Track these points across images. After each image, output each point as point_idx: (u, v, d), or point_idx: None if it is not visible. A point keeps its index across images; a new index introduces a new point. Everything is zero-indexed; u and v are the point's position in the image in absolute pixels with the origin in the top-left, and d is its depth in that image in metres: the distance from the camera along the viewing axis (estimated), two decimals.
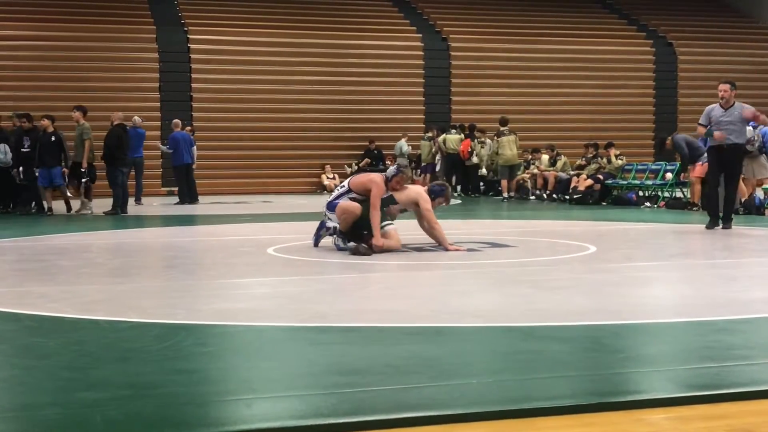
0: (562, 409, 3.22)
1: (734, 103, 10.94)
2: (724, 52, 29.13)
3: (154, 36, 25.61)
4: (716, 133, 10.80)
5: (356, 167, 24.66)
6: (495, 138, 20.61)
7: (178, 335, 4.64)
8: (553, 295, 5.96)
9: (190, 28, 26.22)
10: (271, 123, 25.56)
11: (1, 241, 10.38)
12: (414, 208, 8.94)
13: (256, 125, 25.45)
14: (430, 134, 24.19)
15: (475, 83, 27.38)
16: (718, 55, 29.04)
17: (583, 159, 19.74)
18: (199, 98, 25.45)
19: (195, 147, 20.61)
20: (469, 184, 22.82)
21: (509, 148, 20.14)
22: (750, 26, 31.96)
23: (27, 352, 4.33)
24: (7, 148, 15.43)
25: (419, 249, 8.78)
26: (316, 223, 9.42)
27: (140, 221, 14.68)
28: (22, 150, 15.40)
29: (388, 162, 25.16)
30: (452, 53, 27.71)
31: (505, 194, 20.29)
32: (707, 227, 10.93)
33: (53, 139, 15.17)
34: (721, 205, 11.11)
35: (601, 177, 18.51)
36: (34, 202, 16.15)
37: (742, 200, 14.13)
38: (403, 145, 25.24)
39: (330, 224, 8.95)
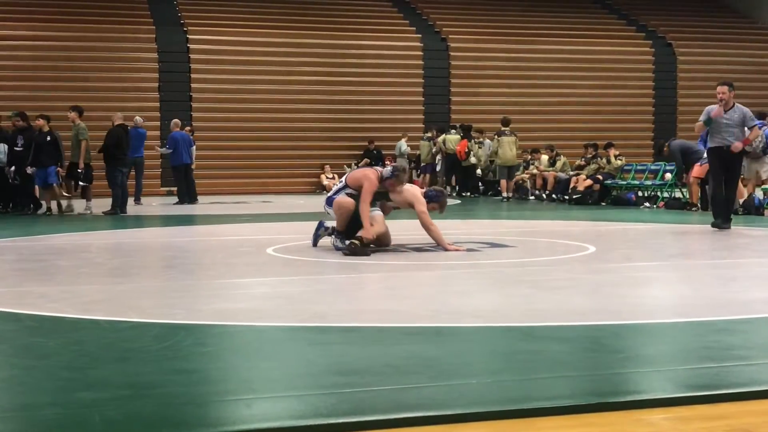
0: (562, 409, 3.22)
1: (734, 104, 10.94)
2: (723, 53, 29.14)
3: (154, 36, 25.61)
4: (713, 112, 10.82)
5: (355, 167, 24.64)
6: (496, 137, 20.59)
7: (177, 335, 4.64)
8: (552, 296, 5.96)
9: (189, 28, 26.22)
10: (270, 123, 25.57)
11: (1, 241, 10.37)
12: (409, 209, 8.97)
13: (256, 125, 25.45)
14: (429, 134, 24.19)
15: (474, 83, 27.39)
16: (718, 55, 29.05)
17: (583, 159, 19.74)
18: (198, 98, 25.45)
19: (194, 147, 20.62)
20: (467, 184, 22.81)
21: (509, 148, 20.14)
22: (749, 27, 31.97)
23: (27, 352, 4.33)
24: (7, 148, 15.43)
25: (418, 249, 8.78)
26: (316, 223, 9.42)
27: (139, 221, 14.68)
28: (15, 149, 15.36)
29: (387, 162, 25.17)
30: (451, 53, 27.72)
31: (505, 194, 20.29)
32: (713, 225, 10.91)
33: (48, 138, 15.13)
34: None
35: (600, 177, 18.52)
36: (33, 203, 16.15)
37: (741, 201, 14.14)
38: (403, 144, 25.24)
39: (328, 224, 9.00)
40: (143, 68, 25.09)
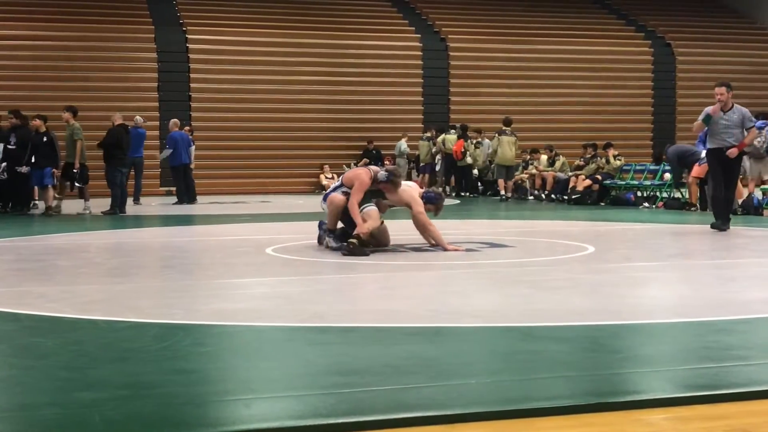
0: (561, 409, 3.22)
1: (733, 105, 10.92)
2: (722, 53, 29.15)
3: (153, 36, 25.60)
4: (712, 109, 10.82)
5: (354, 167, 24.63)
6: (496, 136, 20.58)
7: (176, 335, 4.64)
8: (551, 296, 5.96)
9: (188, 28, 26.21)
10: (269, 123, 25.56)
11: (0, 241, 10.36)
12: (406, 208, 8.98)
13: (255, 125, 25.44)
14: (428, 134, 24.20)
15: (473, 83, 27.38)
16: (717, 55, 29.05)
17: (582, 160, 19.75)
18: (197, 98, 25.44)
19: (193, 147, 20.62)
20: (464, 184, 22.81)
21: (509, 148, 20.13)
22: (748, 27, 31.98)
23: (25, 352, 4.33)
24: (2, 146, 15.40)
25: (417, 249, 8.78)
26: (315, 223, 9.43)
27: (139, 221, 14.67)
28: (8, 147, 15.33)
29: (387, 162, 25.18)
30: (451, 53, 27.71)
31: (503, 192, 20.29)
32: (713, 227, 10.87)
33: (45, 139, 15.10)
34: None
35: (599, 177, 18.52)
36: (33, 202, 16.14)
37: (740, 201, 14.14)
38: (403, 144, 25.23)
39: (325, 226, 9.02)
40: (142, 68, 25.08)
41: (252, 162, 25.25)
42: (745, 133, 11.05)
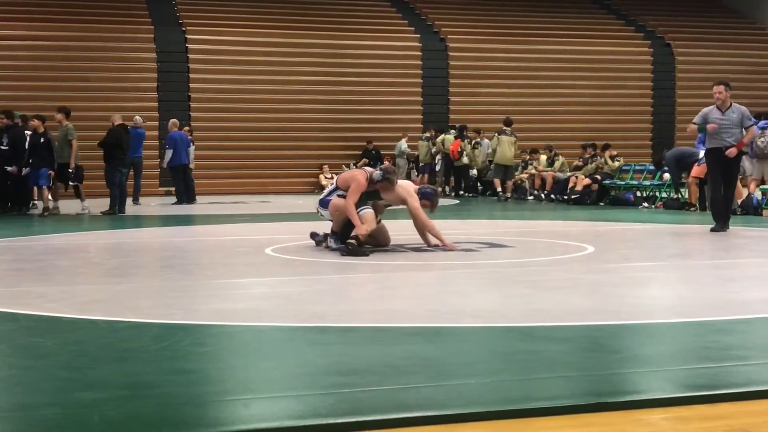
0: (561, 409, 3.22)
1: (731, 104, 10.88)
2: (722, 53, 29.15)
3: (152, 36, 25.59)
4: (709, 125, 10.75)
5: (354, 167, 24.63)
6: (496, 135, 20.58)
7: (176, 335, 4.64)
8: (551, 296, 5.96)
9: (188, 28, 26.21)
10: (269, 123, 25.56)
11: None
12: (403, 206, 8.98)
13: (254, 125, 25.44)
14: (427, 134, 24.21)
15: (472, 83, 27.38)
16: (716, 55, 29.05)
17: (580, 160, 19.75)
18: (197, 98, 25.44)
19: (192, 147, 20.61)
20: (462, 184, 22.80)
21: (508, 148, 20.11)
22: (748, 27, 31.98)
23: (25, 352, 4.33)
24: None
25: (417, 249, 8.78)
26: (315, 223, 9.43)
27: (138, 221, 14.67)
28: (1, 147, 15.30)
29: (386, 162, 25.18)
30: (450, 53, 27.72)
31: (499, 190, 20.30)
32: (712, 230, 10.81)
33: (42, 140, 15.08)
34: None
35: (598, 177, 18.52)
36: (32, 202, 16.12)
37: (740, 201, 14.14)
38: (403, 144, 25.22)
39: (318, 238, 9.00)
40: (142, 68, 25.08)
41: (251, 162, 25.25)
42: (744, 132, 10.96)
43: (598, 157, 18.99)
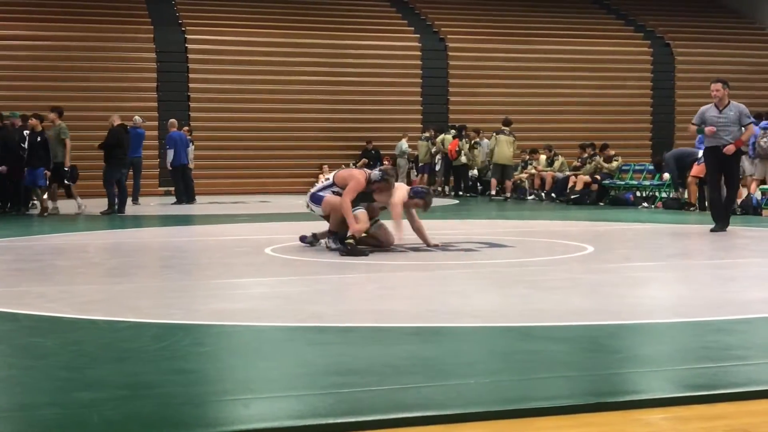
0: (560, 409, 3.22)
1: (729, 102, 10.84)
2: (721, 53, 29.16)
3: (152, 36, 25.60)
4: (707, 129, 10.73)
5: (353, 167, 24.63)
6: (494, 135, 20.62)
7: (175, 335, 4.64)
8: (550, 296, 5.97)
9: (187, 28, 26.21)
10: (268, 123, 25.57)
11: None
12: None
13: (254, 125, 25.45)
14: (427, 134, 24.21)
15: (472, 83, 27.39)
16: (716, 55, 29.06)
17: (579, 160, 19.76)
18: (196, 98, 25.44)
19: (192, 147, 20.61)
20: (462, 184, 22.82)
21: (506, 147, 20.12)
22: (748, 27, 31.99)
23: (25, 352, 4.33)
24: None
25: (416, 249, 8.78)
26: (314, 223, 9.42)
27: (137, 221, 14.67)
28: None
29: (386, 162, 25.17)
30: (450, 53, 27.72)
31: (493, 192, 20.34)
32: (712, 231, 10.79)
33: (39, 139, 15.06)
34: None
35: (598, 177, 18.53)
36: (32, 202, 16.11)
37: (739, 201, 14.14)
38: (404, 144, 25.21)
39: (309, 239, 8.96)
40: (141, 68, 25.09)
41: (251, 162, 25.25)
42: (743, 130, 10.84)
43: (597, 157, 18.99)
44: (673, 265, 7.92)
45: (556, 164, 20.38)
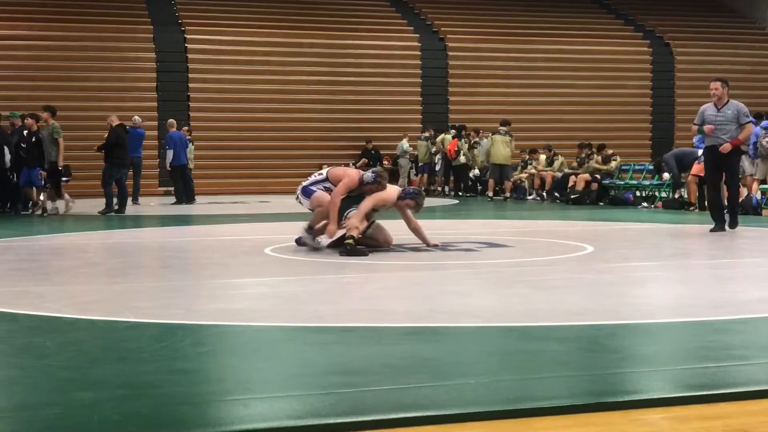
0: (560, 409, 3.22)
1: (728, 101, 10.82)
2: (721, 53, 29.17)
3: (152, 36, 25.60)
4: (706, 127, 10.73)
5: (353, 167, 24.64)
6: (490, 135, 20.68)
7: (175, 335, 4.64)
8: (550, 295, 5.97)
9: (187, 28, 26.22)
10: (268, 123, 25.57)
11: None
12: (391, 209, 8.98)
13: (254, 125, 25.45)
14: (426, 134, 24.22)
15: (472, 83, 27.40)
16: (716, 55, 29.07)
17: (577, 160, 19.76)
18: (196, 98, 25.45)
19: (192, 147, 20.61)
20: (460, 183, 22.83)
21: (502, 147, 20.12)
22: (747, 27, 32.00)
23: (25, 351, 4.33)
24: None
25: (416, 249, 8.78)
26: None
27: (137, 221, 14.67)
28: None
29: (386, 162, 25.18)
30: (449, 53, 27.73)
31: (490, 193, 20.36)
32: (712, 230, 10.78)
33: (33, 139, 15.05)
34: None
35: (598, 177, 18.53)
36: (30, 202, 16.10)
37: (739, 200, 14.14)
38: (405, 144, 25.23)
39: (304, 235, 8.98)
40: (141, 68, 25.09)
41: (251, 162, 25.25)
42: (741, 129, 10.75)
43: (595, 156, 18.99)
44: (672, 265, 7.92)
45: (556, 164, 20.39)
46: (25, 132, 15.33)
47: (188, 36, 25.94)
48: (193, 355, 4.21)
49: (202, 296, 6.15)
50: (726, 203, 11.11)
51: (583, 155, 19.39)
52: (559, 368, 3.85)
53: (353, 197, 8.70)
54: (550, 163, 20.63)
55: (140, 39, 25.45)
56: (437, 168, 23.67)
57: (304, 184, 8.99)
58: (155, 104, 24.89)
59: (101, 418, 3.10)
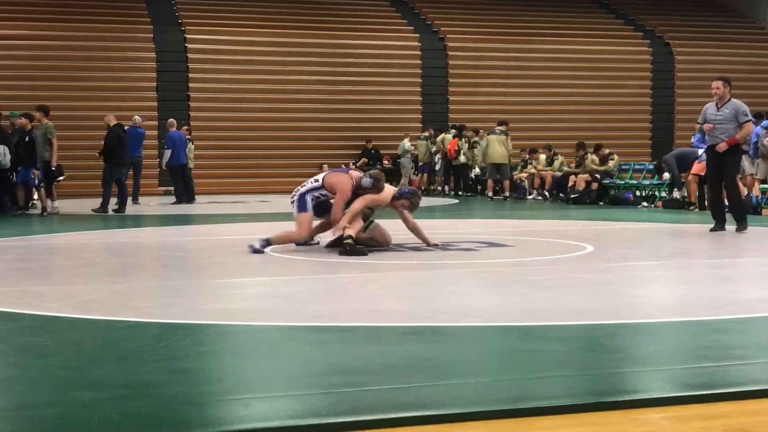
0: (560, 408, 3.22)
1: (729, 100, 10.80)
2: (721, 52, 29.16)
3: (152, 36, 25.60)
4: (705, 126, 10.74)
5: (353, 167, 24.67)
6: (486, 136, 20.72)
7: (175, 335, 4.64)
8: (550, 295, 5.97)
9: (187, 27, 26.22)
10: (268, 122, 25.57)
11: None
12: (385, 208, 8.99)
13: (254, 125, 25.46)
14: (426, 134, 24.22)
15: (472, 83, 27.40)
16: (716, 55, 29.07)
17: (576, 159, 19.76)
18: (196, 98, 25.45)
19: (192, 146, 20.61)
20: (461, 183, 22.84)
21: (498, 146, 20.13)
22: (747, 26, 32.00)
23: (25, 351, 4.33)
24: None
25: (416, 249, 8.78)
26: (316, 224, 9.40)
27: (137, 221, 14.67)
28: None
29: (386, 161, 25.18)
30: (449, 53, 27.73)
31: (490, 193, 20.37)
32: (712, 230, 10.77)
33: (27, 139, 15.04)
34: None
35: (598, 177, 18.53)
36: (31, 202, 16.09)
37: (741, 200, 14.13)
38: (406, 143, 25.25)
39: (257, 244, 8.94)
40: (141, 68, 25.09)
41: (251, 162, 25.26)
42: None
43: (591, 156, 18.98)
44: (672, 265, 7.92)
45: (556, 164, 20.40)
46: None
47: (188, 36, 25.94)
48: (193, 355, 4.21)
49: (202, 296, 6.15)
50: (727, 204, 11.12)
51: (580, 155, 19.39)
52: (559, 368, 3.86)
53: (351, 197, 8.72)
54: (550, 162, 20.63)
55: (140, 39, 25.45)
56: (437, 168, 23.67)
57: (301, 190, 8.93)
58: (155, 104, 24.89)
59: (101, 418, 3.10)
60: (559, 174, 19.71)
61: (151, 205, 18.78)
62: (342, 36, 26.90)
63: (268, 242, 8.66)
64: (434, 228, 10.26)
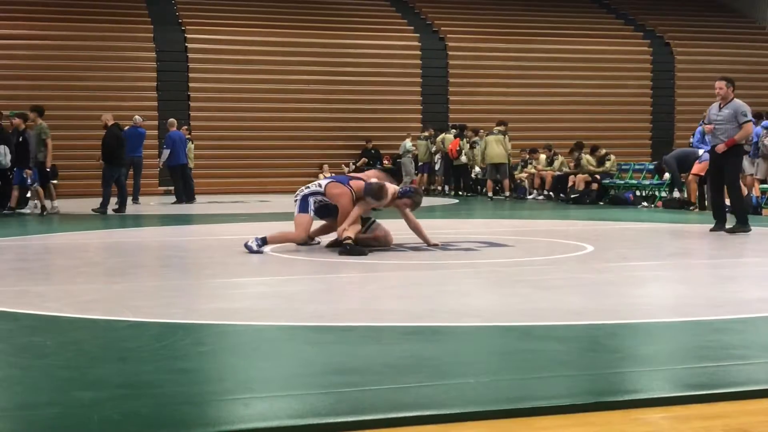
0: (560, 408, 3.22)
1: (731, 100, 10.78)
2: (721, 52, 29.17)
3: (152, 35, 25.60)
4: (706, 127, 10.76)
5: (353, 167, 24.68)
6: (484, 136, 20.73)
7: (175, 335, 4.64)
8: (550, 295, 5.97)
9: (187, 27, 26.22)
10: (268, 122, 25.58)
11: None
12: (388, 208, 8.99)
13: (254, 125, 25.46)
14: (426, 134, 24.22)
15: (472, 83, 27.40)
16: (716, 55, 29.08)
17: (574, 160, 19.76)
18: (196, 98, 25.45)
19: (192, 146, 20.62)
20: (461, 183, 22.84)
21: (496, 145, 20.13)
22: (747, 26, 32.00)
23: (25, 351, 4.33)
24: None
25: (416, 249, 8.78)
26: (314, 223, 9.40)
27: (137, 220, 14.67)
28: None
29: (386, 161, 25.17)
30: (449, 53, 27.73)
31: (490, 193, 20.38)
32: (712, 230, 10.77)
33: (20, 139, 15.03)
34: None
35: (598, 177, 18.54)
36: (27, 203, 16.07)
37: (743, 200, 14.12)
38: (408, 143, 25.25)
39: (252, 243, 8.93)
40: (141, 67, 25.10)
41: (251, 161, 25.26)
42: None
43: (587, 157, 18.98)
44: (672, 265, 7.92)
45: (556, 164, 20.40)
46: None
47: (188, 36, 25.94)
48: (193, 355, 4.21)
49: (202, 295, 6.15)
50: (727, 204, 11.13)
51: (575, 156, 19.38)
52: (559, 368, 3.85)
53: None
54: (550, 162, 20.63)
55: (140, 39, 25.45)
56: (437, 167, 23.68)
57: (305, 191, 8.91)
58: (155, 104, 24.89)
59: (101, 417, 3.10)
60: (559, 174, 19.71)
61: (151, 204, 18.78)
62: (342, 36, 26.90)
63: (264, 241, 8.65)
64: (434, 228, 10.26)
